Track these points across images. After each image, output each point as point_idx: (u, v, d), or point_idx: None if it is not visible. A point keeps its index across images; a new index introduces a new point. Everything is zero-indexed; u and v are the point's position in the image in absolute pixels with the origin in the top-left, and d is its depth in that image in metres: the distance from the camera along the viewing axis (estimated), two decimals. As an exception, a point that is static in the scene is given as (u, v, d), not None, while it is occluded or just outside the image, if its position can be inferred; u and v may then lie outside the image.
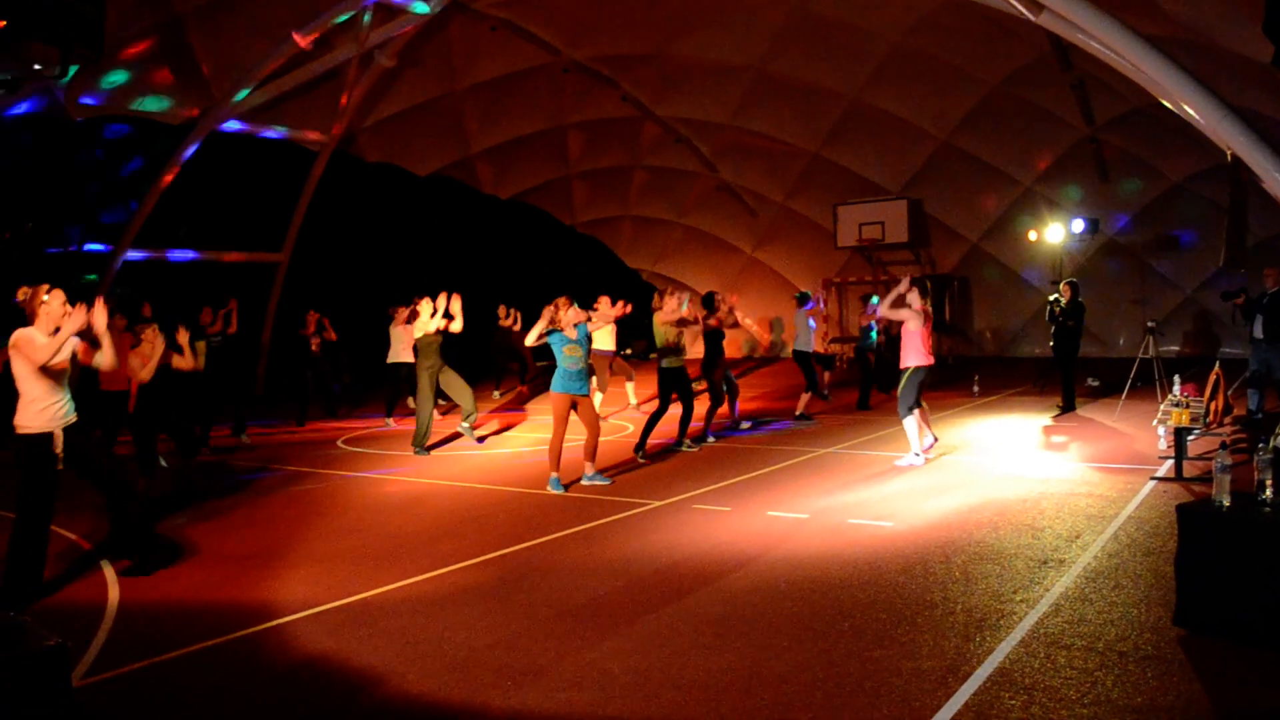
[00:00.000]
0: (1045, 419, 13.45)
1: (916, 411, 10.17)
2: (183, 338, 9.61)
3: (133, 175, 18.74)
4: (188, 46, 16.40)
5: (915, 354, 10.23)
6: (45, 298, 6.40)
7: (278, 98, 18.21)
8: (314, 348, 15.43)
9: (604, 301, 12.21)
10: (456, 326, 12.27)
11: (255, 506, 9.33)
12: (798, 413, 14.20)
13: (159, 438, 9.69)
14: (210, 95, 17.46)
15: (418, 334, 12.25)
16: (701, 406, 12.32)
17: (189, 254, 19.77)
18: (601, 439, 10.19)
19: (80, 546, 7.67)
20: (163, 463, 10.48)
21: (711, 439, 12.26)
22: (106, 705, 4.65)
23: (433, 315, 12.19)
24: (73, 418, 6.54)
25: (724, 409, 12.72)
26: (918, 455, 10.15)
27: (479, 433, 13.21)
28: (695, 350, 12.34)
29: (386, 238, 25.43)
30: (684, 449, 11.58)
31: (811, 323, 14.36)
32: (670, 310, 11.32)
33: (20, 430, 6.34)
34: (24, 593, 6.27)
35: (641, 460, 10.90)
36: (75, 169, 18.97)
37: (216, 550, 7.62)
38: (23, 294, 6.47)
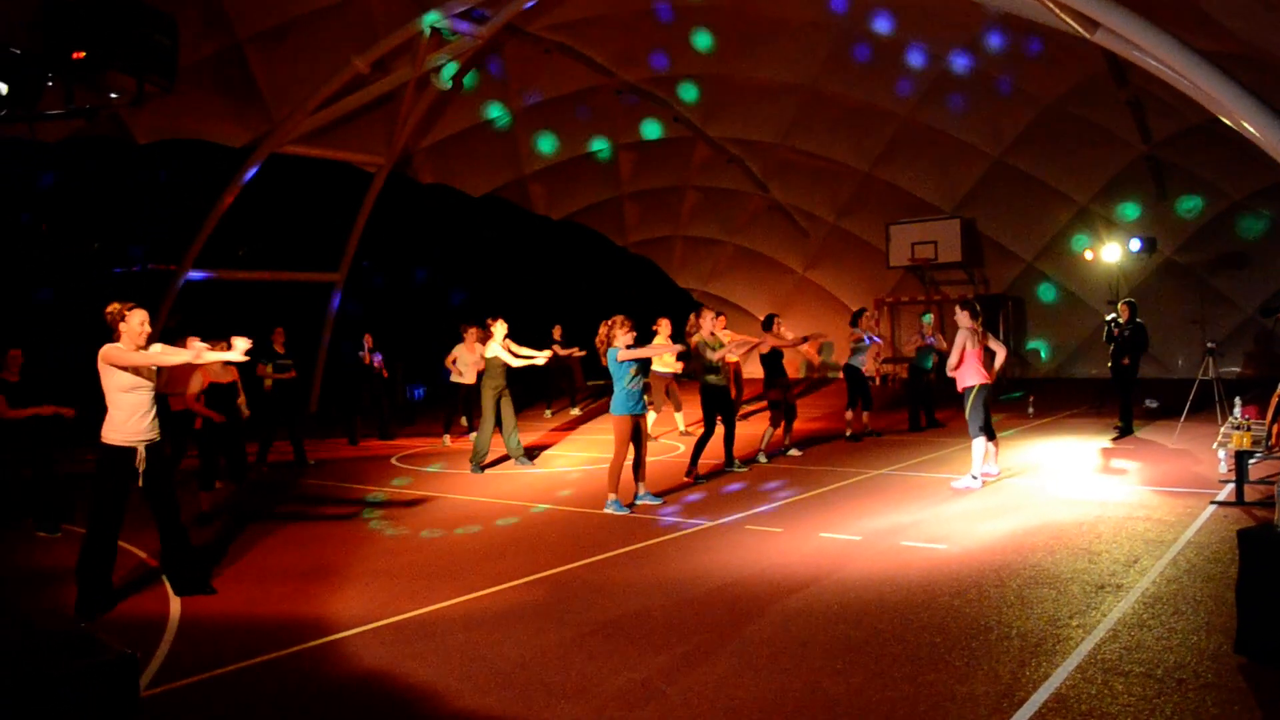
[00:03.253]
0: (1102, 441, 13.27)
1: (983, 435, 10.10)
2: (261, 371, 9.85)
3: (194, 197, 19.14)
4: (248, 71, 16.78)
5: (973, 373, 10.16)
6: (126, 315, 6.58)
7: (336, 120, 18.54)
8: (376, 366, 15.69)
9: (664, 324, 12.29)
10: (538, 361, 12.47)
11: (311, 523, 9.48)
12: (848, 433, 14.22)
13: (219, 458, 9.91)
14: (270, 118, 17.82)
15: (489, 354, 12.38)
16: (760, 426, 12.32)
17: (248, 274, 20.15)
18: (653, 459, 10.22)
19: (146, 564, 7.83)
20: (218, 484, 10.70)
21: (764, 460, 12.24)
22: (168, 716, 4.75)
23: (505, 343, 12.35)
24: (156, 435, 6.72)
25: (778, 432, 12.68)
26: (975, 478, 10.05)
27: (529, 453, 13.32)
28: (752, 369, 12.37)
29: (441, 258, 25.73)
30: (734, 469, 11.56)
31: (868, 340, 14.29)
32: (707, 328, 11.42)
33: (105, 441, 6.53)
34: (94, 603, 6.44)
35: (693, 482, 10.89)
36: (139, 191, 19.43)
37: (274, 566, 7.76)
38: (112, 309, 6.62)
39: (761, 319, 12.96)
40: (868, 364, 14.44)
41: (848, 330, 14.59)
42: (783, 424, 12.62)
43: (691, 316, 12.53)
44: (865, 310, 14.93)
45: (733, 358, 11.95)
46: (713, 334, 11.52)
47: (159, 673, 5.29)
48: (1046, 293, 23.27)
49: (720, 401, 11.30)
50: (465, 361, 14.71)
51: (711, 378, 11.33)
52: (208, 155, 18.26)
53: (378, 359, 15.88)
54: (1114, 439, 13.44)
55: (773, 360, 12.41)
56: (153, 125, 16.46)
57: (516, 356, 12.35)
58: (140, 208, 19.60)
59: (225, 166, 18.48)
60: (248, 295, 20.09)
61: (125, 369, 6.48)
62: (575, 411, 18.97)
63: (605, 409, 9.89)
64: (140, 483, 6.58)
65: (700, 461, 11.15)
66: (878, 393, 14.87)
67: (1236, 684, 4.66)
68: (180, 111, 16.36)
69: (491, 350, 12.33)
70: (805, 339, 12.75)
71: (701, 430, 11.28)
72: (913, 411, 15.55)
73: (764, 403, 12.68)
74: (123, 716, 3.41)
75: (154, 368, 6.68)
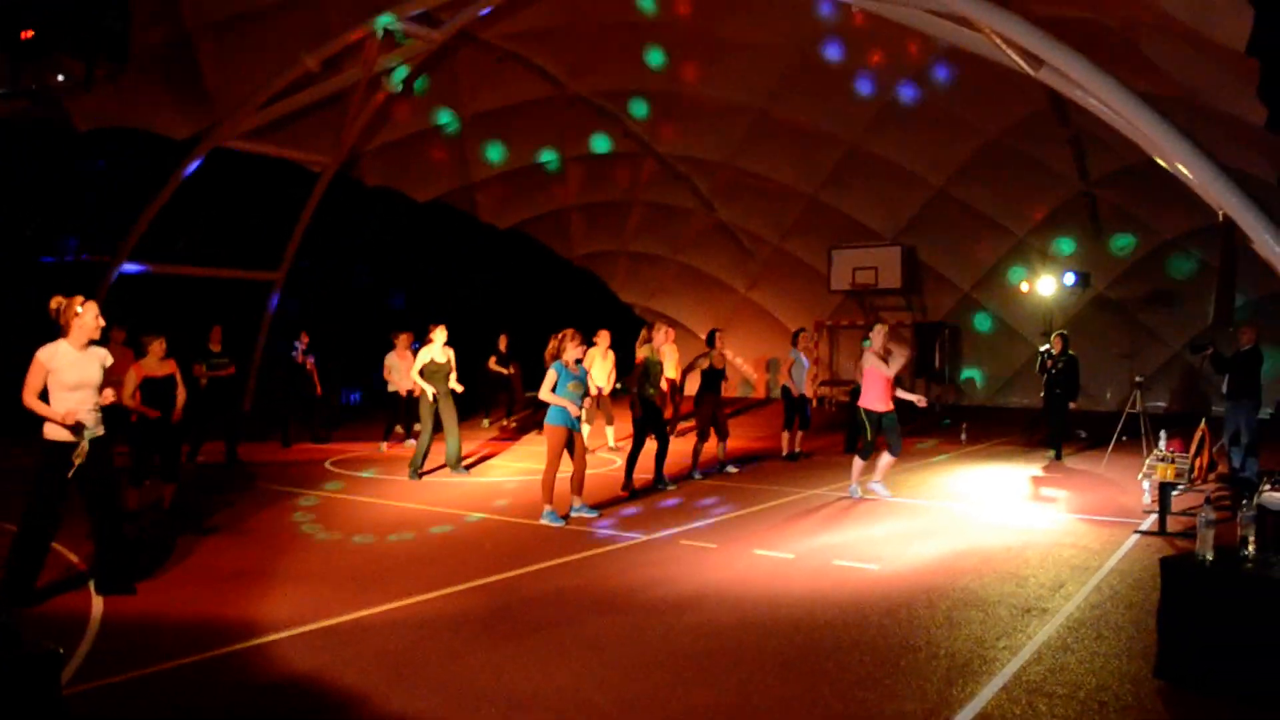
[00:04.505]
0: (1032, 469, 13.50)
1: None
2: (197, 371, 9.67)
3: (132, 188, 18.77)
4: (195, 62, 16.51)
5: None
6: (79, 310, 6.43)
7: (283, 118, 18.32)
8: (308, 366, 15.47)
9: (603, 335, 12.26)
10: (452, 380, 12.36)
11: (241, 525, 9.33)
12: (785, 452, 14.31)
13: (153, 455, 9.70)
14: (215, 112, 17.56)
15: (422, 361, 12.28)
16: (687, 444, 12.35)
17: (185, 269, 19.80)
18: (591, 472, 10.20)
19: (76, 567, 7.61)
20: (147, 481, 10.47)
21: (698, 476, 12.27)
22: (87, 715, 4.64)
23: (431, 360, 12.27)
24: (99, 430, 6.59)
25: (710, 447, 12.70)
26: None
27: (466, 462, 13.22)
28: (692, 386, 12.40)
29: (384, 262, 25.50)
30: (663, 488, 11.42)
31: (805, 361, 14.39)
32: (659, 341, 11.46)
33: (46, 437, 6.39)
34: (18, 596, 6.29)
35: (628, 496, 10.89)
36: (75, 179, 19.01)
37: (201, 567, 7.62)
38: (56, 303, 6.45)
39: (704, 336, 13.01)
40: (805, 385, 14.51)
41: (787, 351, 14.73)
42: (716, 440, 12.66)
43: (644, 330, 12.51)
44: (803, 330, 15.07)
45: (671, 374, 12.02)
46: (659, 350, 11.55)
47: (79, 672, 5.16)
48: (982, 322, 23.74)
49: (653, 417, 11.33)
50: (398, 369, 14.57)
51: (649, 391, 11.37)
52: (149, 146, 17.91)
53: (310, 360, 15.66)
54: (1046, 466, 13.69)
55: (710, 378, 12.47)
56: (93, 111, 16.07)
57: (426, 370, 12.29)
58: (76, 196, 19.16)
59: (167, 159, 18.16)
60: (184, 291, 19.73)
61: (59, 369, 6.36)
62: (508, 423, 18.85)
63: (543, 420, 9.83)
64: (70, 475, 6.43)
65: (635, 476, 11.17)
66: (815, 414, 14.94)
67: (1155, 706, 4.77)
68: (123, 99, 16.04)
69: (424, 355, 12.26)
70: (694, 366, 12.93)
71: (631, 445, 11.32)
72: (849, 433, 15.66)
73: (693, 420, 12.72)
74: (44, 712, 3.33)
75: (99, 367, 6.55)
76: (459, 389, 12.41)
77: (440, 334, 12.32)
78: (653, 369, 11.41)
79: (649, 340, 11.80)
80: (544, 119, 21.36)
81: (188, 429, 10.72)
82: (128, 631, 5.92)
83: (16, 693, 3.25)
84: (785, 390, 14.37)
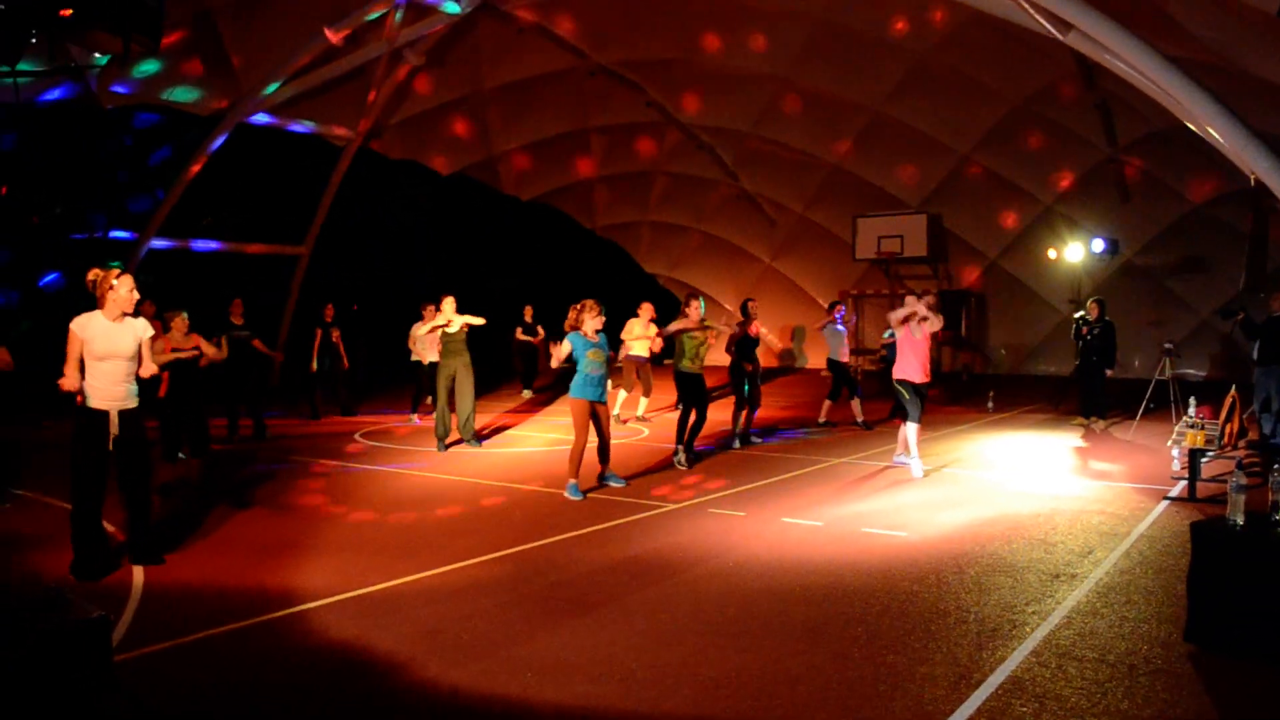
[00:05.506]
0: (1060, 436, 13.46)
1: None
2: (208, 348, 9.79)
3: (160, 164, 18.89)
4: (219, 38, 16.59)
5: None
6: (114, 282, 6.55)
7: (306, 92, 18.38)
8: (334, 338, 15.58)
9: (645, 308, 12.22)
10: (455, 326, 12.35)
11: (275, 497, 9.44)
12: (821, 419, 14.37)
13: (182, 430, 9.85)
14: (239, 87, 17.64)
15: (423, 331, 12.37)
16: (724, 413, 12.36)
17: (213, 244, 19.96)
18: (622, 442, 10.21)
19: (114, 537, 7.75)
20: (181, 455, 10.63)
21: (737, 445, 12.31)
22: (132, 682, 4.74)
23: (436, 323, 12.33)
24: (133, 402, 6.71)
25: (743, 415, 12.71)
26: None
27: (482, 432, 13.32)
28: (715, 358, 12.38)
29: (408, 234, 25.58)
30: (680, 460, 11.10)
31: (842, 329, 14.41)
32: (694, 317, 11.36)
33: (78, 404, 6.54)
34: (83, 570, 6.43)
35: (682, 465, 10.90)
36: (103, 156, 19.14)
37: (237, 538, 7.73)
38: (93, 275, 6.58)
39: (731, 305, 12.98)
40: (842, 352, 14.52)
41: (820, 322, 14.80)
42: (746, 409, 12.69)
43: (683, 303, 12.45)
44: (838, 302, 15.05)
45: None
46: (702, 323, 11.44)
47: (122, 641, 5.27)
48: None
49: (693, 389, 11.30)
50: (423, 340, 14.63)
51: (685, 364, 11.36)
52: (176, 121, 18.01)
53: (336, 332, 15.75)
54: (1083, 434, 13.62)
55: (745, 347, 12.48)
56: (119, 89, 16.21)
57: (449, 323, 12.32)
58: (106, 173, 19.30)
59: (193, 135, 18.26)
60: (212, 266, 19.89)
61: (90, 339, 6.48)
62: (527, 394, 18.95)
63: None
64: (111, 447, 6.56)
65: (678, 445, 11.14)
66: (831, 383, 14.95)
67: (1185, 670, 4.80)
68: (148, 77, 16.14)
69: (426, 327, 12.34)
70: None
71: (679, 412, 11.31)
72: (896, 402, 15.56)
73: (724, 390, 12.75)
74: (95, 678, 3.42)
75: (132, 339, 6.65)
76: (479, 321, 12.42)
77: (449, 304, 12.36)
78: (687, 343, 11.35)
79: (685, 314, 11.67)
80: (566, 90, 21.33)
81: (211, 404, 10.82)
82: (168, 601, 6.04)
83: (71, 657, 3.34)
84: (831, 361, 14.43)
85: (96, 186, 18.92)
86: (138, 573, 6.62)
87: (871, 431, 13.95)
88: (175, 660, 5.03)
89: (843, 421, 14.66)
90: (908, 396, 10.33)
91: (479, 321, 12.33)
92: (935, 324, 10.57)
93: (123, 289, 6.57)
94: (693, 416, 11.15)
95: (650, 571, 6.68)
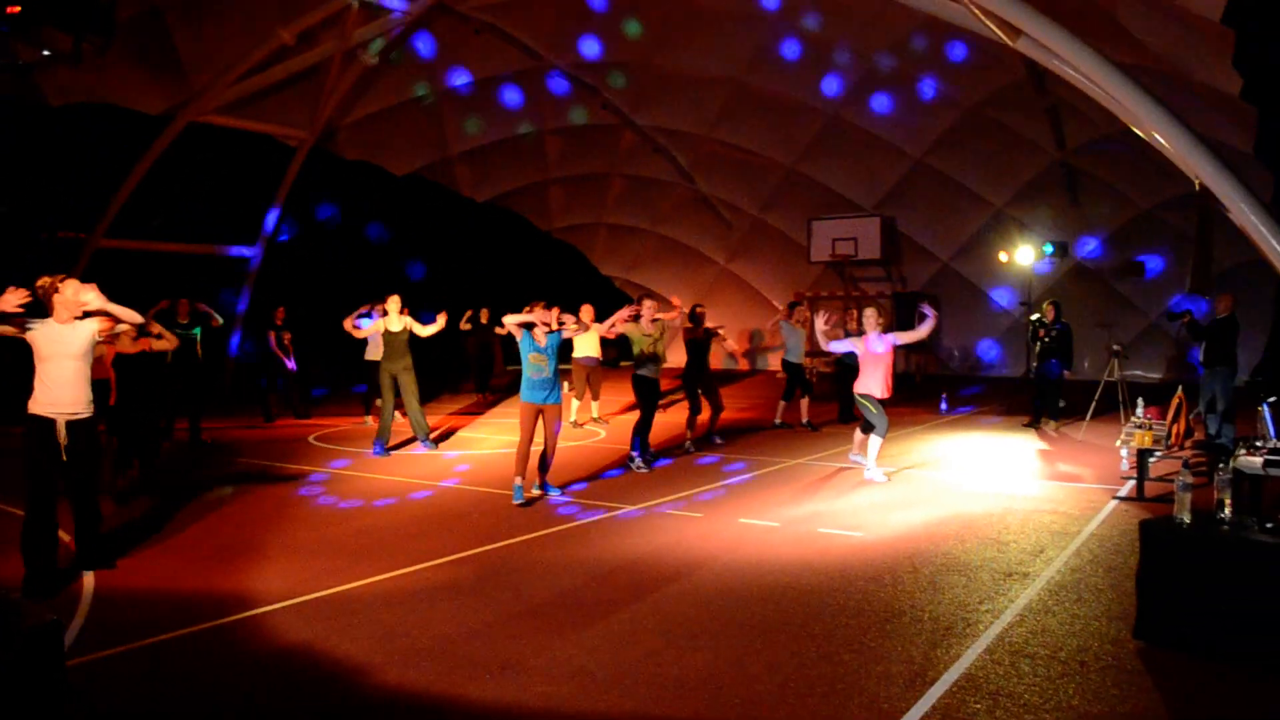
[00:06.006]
0: (1012, 437, 13.63)
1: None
2: (155, 329, 9.61)
3: (108, 164, 18.58)
4: (168, 36, 16.35)
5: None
6: (59, 286, 6.49)
7: (258, 92, 18.18)
8: (285, 341, 15.43)
9: (585, 310, 12.15)
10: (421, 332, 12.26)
11: (229, 501, 9.33)
12: (776, 420, 14.47)
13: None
14: (189, 87, 17.40)
15: (368, 333, 12.31)
16: (681, 415, 12.39)
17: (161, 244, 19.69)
18: (574, 444, 10.19)
19: (65, 545, 7.62)
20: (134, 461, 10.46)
21: (691, 448, 12.31)
22: (85, 686, 4.67)
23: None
24: (86, 411, 6.56)
25: (703, 418, 12.75)
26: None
27: (435, 434, 13.25)
28: (674, 359, 12.40)
29: (362, 236, 25.38)
30: (635, 465, 11.04)
31: (799, 330, 14.55)
32: (647, 317, 11.36)
33: (28, 411, 6.45)
34: (36, 588, 6.22)
35: (641, 470, 10.84)
36: (51, 155, 18.80)
37: (190, 542, 7.64)
38: (43, 283, 6.49)
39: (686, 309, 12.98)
40: (798, 353, 14.68)
41: (777, 323, 14.92)
42: (707, 411, 12.73)
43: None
44: (798, 304, 15.15)
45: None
46: (653, 322, 11.45)
47: (73, 646, 5.18)
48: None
49: (641, 393, 11.31)
50: (374, 340, 14.47)
51: (643, 370, 11.33)
52: (124, 121, 17.73)
53: (286, 335, 15.59)
54: (1053, 429, 13.82)
55: (696, 350, 12.52)
56: (66, 87, 15.93)
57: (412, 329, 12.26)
58: (52, 173, 18.96)
59: (142, 134, 17.99)
60: (162, 267, 19.60)
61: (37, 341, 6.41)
62: (479, 396, 18.84)
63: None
64: (65, 456, 6.44)
65: (651, 444, 11.15)
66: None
67: (1135, 666, 4.89)
68: (96, 74, 15.87)
69: (378, 326, 12.25)
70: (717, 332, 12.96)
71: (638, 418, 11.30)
72: (842, 403, 15.66)
73: (681, 394, 12.77)
74: (48, 683, 3.37)
75: (84, 339, 6.55)
76: (425, 332, 12.27)
77: (394, 303, 12.28)
78: (640, 342, 11.34)
79: (639, 313, 11.64)
80: (522, 91, 21.27)
81: (166, 405, 10.65)
82: (120, 605, 5.95)
83: (21, 661, 3.28)
84: (786, 362, 14.56)
85: (43, 186, 18.60)
86: (89, 578, 6.52)
87: (818, 433, 14.06)
88: (128, 665, 4.96)
89: (796, 423, 14.76)
90: (874, 411, 10.15)
91: (425, 332, 12.19)
92: (914, 334, 10.58)
93: (67, 291, 6.47)
94: (641, 417, 11.16)
95: (608, 573, 6.68)
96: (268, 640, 5.34)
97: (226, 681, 4.80)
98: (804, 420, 14.52)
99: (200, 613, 5.73)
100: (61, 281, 6.50)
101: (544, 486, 9.59)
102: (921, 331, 10.46)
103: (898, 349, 10.62)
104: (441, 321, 12.15)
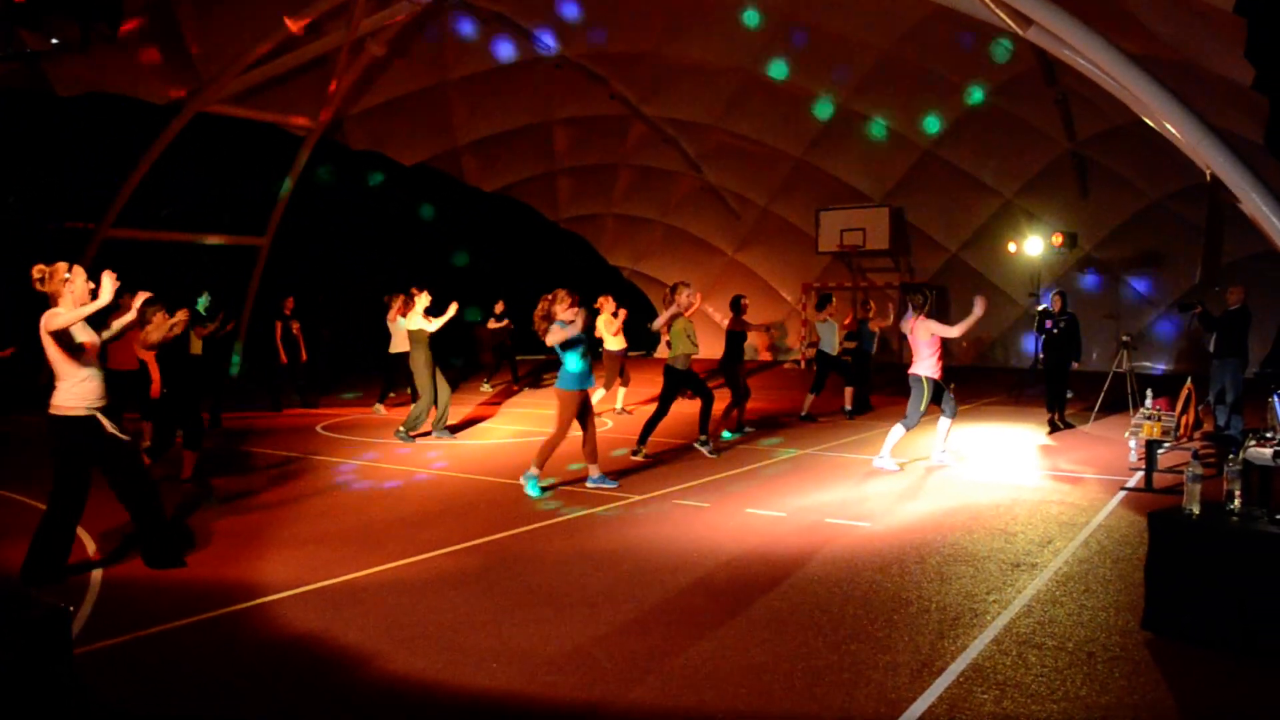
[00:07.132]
0: (1019, 428, 13.59)
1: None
2: (181, 314, 9.54)
3: (116, 155, 18.60)
4: (176, 26, 16.34)
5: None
6: (67, 276, 6.18)
7: (266, 82, 18.17)
8: (294, 330, 15.46)
9: (605, 300, 12.08)
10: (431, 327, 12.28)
11: (236, 490, 9.36)
12: (804, 413, 14.49)
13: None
14: (198, 76, 17.41)
15: (412, 326, 12.28)
16: (693, 406, 12.39)
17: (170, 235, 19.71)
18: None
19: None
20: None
21: (726, 435, 12.33)
22: (93, 675, 4.69)
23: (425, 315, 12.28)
24: (104, 402, 6.40)
25: (719, 408, 12.68)
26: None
27: (452, 422, 13.27)
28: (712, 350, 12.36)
29: (369, 226, 25.41)
30: (699, 446, 11.24)
31: (832, 324, 14.61)
32: (696, 306, 11.21)
33: (56, 412, 6.19)
34: (44, 575, 6.16)
35: (641, 461, 10.84)
36: (59, 146, 18.84)
37: (199, 531, 7.66)
38: (39, 272, 6.14)
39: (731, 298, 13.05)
40: (834, 345, 14.73)
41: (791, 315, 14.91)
42: (726, 399, 12.76)
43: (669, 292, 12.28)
44: (829, 299, 15.00)
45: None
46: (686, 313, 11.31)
47: (81, 634, 5.21)
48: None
49: (667, 384, 11.20)
50: (398, 330, 14.47)
51: (679, 354, 11.15)
52: (133, 111, 17.73)
53: (296, 325, 15.62)
54: (1050, 433, 13.58)
55: (735, 341, 12.58)
56: (75, 77, 15.93)
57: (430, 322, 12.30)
58: (61, 163, 19.00)
59: (150, 124, 18.00)
60: (170, 257, 19.63)
61: (70, 330, 6.19)
62: (486, 389, 18.80)
63: (549, 385, 9.77)
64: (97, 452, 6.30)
65: (650, 440, 11.14)
66: (802, 376, 15.09)
67: (1142, 656, 4.88)
68: (104, 65, 15.88)
69: (414, 323, 12.23)
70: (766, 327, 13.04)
71: (699, 403, 11.29)
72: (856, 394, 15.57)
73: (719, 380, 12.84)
74: (56, 671, 3.38)
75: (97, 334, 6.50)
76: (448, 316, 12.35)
77: (423, 299, 12.32)
78: (685, 327, 11.16)
79: (675, 301, 11.35)
80: (531, 81, 21.24)
81: (201, 395, 10.65)
82: (128, 594, 5.97)
83: (30, 649, 3.29)
84: (821, 354, 14.68)
85: (51, 176, 18.64)
86: (96, 568, 6.54)
87: (853, 422, 14.16)
88: (135, 653, 4.98)
89: (823, 414, 14.73)
90: (946, 394, 10.64)
91: (431, 327, 12.25)
92: (955, 330, 10.77)
93: (78, 280, 6.22)
94: (670, 410, 11.17)
95: (615, 562, 6.69)
96: (275, 628, 5.35)
97: (233, 669, 4.82)
98: (845, 407, 14.77)
99: (206, 601, 5.75)
100: (68, 270, 6.25)
101: (600, 479, 9.32)
102: (955, 329, 10.77)
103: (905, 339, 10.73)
104: (452, 311, 12.21)
